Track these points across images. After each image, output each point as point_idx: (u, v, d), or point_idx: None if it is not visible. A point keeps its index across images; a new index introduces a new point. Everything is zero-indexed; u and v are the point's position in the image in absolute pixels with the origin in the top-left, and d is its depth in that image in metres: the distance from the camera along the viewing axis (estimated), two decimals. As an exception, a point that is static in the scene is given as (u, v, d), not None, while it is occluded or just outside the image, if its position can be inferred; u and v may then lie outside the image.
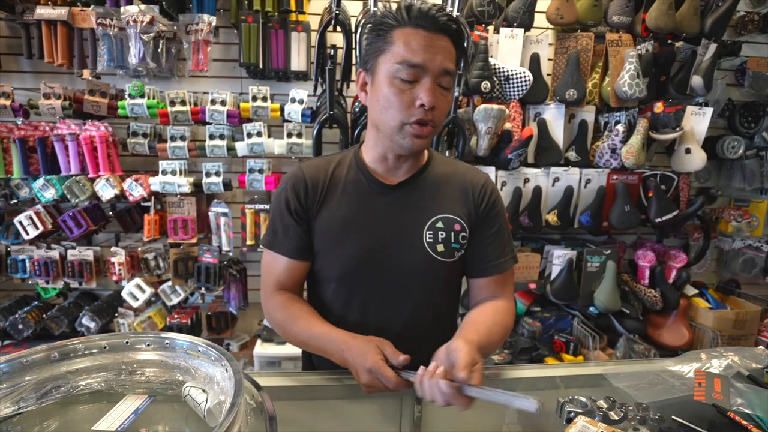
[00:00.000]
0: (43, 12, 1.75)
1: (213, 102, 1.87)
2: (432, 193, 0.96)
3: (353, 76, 1.97)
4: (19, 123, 1.85)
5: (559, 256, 2.08)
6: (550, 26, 2.07)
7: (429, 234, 0.93)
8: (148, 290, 1.97)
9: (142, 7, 1.74)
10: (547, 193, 2.08)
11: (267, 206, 2.00)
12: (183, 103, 1.86)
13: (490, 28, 1.99)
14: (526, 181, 2.06)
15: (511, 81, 1.95)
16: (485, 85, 1.90)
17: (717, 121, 2.36)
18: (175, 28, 1.86)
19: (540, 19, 2.06)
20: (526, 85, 1.95)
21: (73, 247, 1.96)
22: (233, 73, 2.08)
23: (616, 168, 2.07)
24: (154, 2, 1.77)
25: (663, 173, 2.14)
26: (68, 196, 1.85)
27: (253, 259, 2.22)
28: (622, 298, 2.11)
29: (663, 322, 2.18)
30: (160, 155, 1.90)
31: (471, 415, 0.86)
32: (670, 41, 2.12)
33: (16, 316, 1.96)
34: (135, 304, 1.98)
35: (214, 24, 1.84)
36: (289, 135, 1.95)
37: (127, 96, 1.83)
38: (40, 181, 1.84)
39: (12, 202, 1.96)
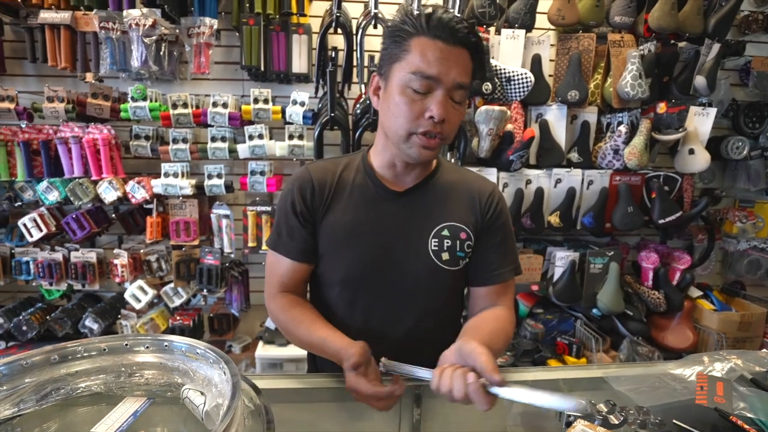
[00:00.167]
0: (46, 16, 1.76)
1: (215, 104, 1.88)
2: (439, 201, 0.95)
3: (354, 78, 1.97)
4: (23, 126, 1.87)
5: (562, 258, 2.07)
6: (552, 27, 2.06)
7: (434, 242, 0.93)
8: (151, 292, 1.98)
9: (144, 10, 1.75)
10: (549, 194, 2.07)
11: (268, 208, 2.01)
12: (185, 105, 1.87)
13: (492, 29, 1.98)
14: (528, 182, 2.05)
15: (512, 82, 1.95)
16: (486, 86, 1.90)
17: (721, 122, 2.34)
18: (177, 31, 1.87)
19: (541, 20, 2.05)
20: (527, 87, 1.94)
21: (77, 249, 1.97)
22: (235, 75, 2.09)
23: (618, 169, 2.06)
24: (156, 6, 1.78)
25: (666, 174, 2.12)
26: (71, 199, 1.87)
27: (255, 260, 2.22)
28: (626, 300, 2.09)
29: (667, 325, 2.16)
30: (162, 157, 1.91)
31: (471, 417, 0.86)
32: (672, 41, 2.11)
33: (20, 317, 1.97)
34: (138, 306, 1.98)
35: (215, 27, 1.85)
36: (291, 137, 1.95)
37: (129, 99, 1.85)
38: (44, 184, 1.85)
39: (16, 205, 1.97)
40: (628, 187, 2.05)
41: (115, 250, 1.97)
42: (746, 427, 0.70)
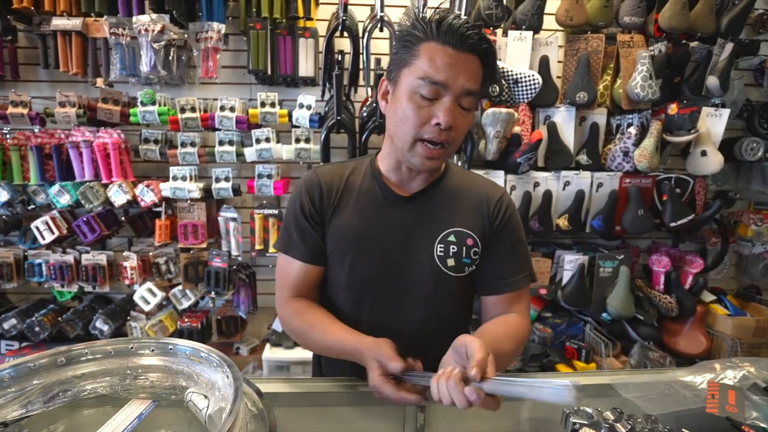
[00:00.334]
0: (58, 23, 1.80)
1: (222, 108, 1.90)
2: (446, 206, 0.94)
3: (360, 81, 1.97)
4: (36, 131, 1.90)
5: (571, 261, 2.04)
6: (560, 28, 2.04)
7: (440, 247, 0.92)
8: (160, 294, 2.00)
9: (153, 16, 1.77)
10: (557, 197, 2.05)
11: (275, 211, 2.02)
12: (193, 109, 1.89)
13: (499, 31, 1.98)
14: (536, 185, 2.03)
15: (519, 84, 1.93)
16: (493, 88, 1.89)
17: (735, 123, 2.30)
18: (186, 36, 1.89)
19: (549, 21, 2.03)
20: (535, 88, 1.92)
21: (87, 252, 2.00)
22: (242, 79, 2.10)
23: (628, 171, 2.03)
24: (165, 11, 1.80)
25: (678, 176, 2.09)
26: (82, 202, 1.90)
27: (262, 263, 2.24)
28: (636, 305, 2.06)
29: (679, 329, 2.12)
30: (170, 161, 1.93)
31: (476, 421, 0.85)
32: (684, 41, 2.08)
33: (33, 318, 2.00)
34: (146, 308, 2.01)
35: (223, 31, 1.87)
36: (297, 140, 1.96)
37: (138, 103, 1.87)
38: (56, 187, 1.89)
39: (29, 208, 2.01)
40: (638, 189, 2.02)
41: (125, 253, 1.99)
42: (759, 437, 0.68)
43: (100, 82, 1.92)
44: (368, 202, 0.94)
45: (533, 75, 1.92)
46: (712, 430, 0.70)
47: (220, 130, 1.94)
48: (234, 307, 2.15)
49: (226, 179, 1.96)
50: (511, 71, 1.93)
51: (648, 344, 2.02)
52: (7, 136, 1.90)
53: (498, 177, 1.98)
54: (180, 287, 2.04)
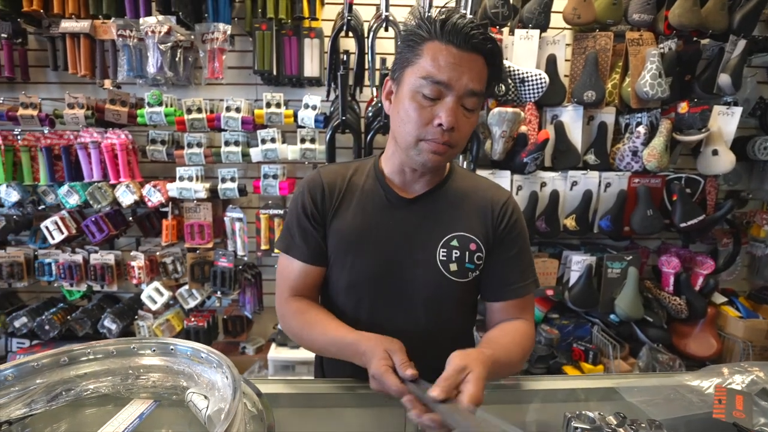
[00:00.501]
0: (67, 25, 1.82)
1: (228, 109, 1.91)
2: (450, 209, 0.93)
3: (366, 81, 1.97)
4: (46, 132, 1.93)
5: (578, 262, 2.02)
6: (567, 26, 2.02)
7: (443, 252, 0.90)
8: (166, 293, 2.02)
9: (160, 18, 1.79)
10: (564, 197, 2.02)
11: (281, 211, 2.02)
12: (199, 110, 1.90)
13: (505, 29, 1.96)
14: (543, 185, 2.01)
15: (526, 83, 1.91)
16: (499, 88, 1.87)
17: (747, 121, 2.25)
18: (192, 37, 1.90)
19: (556, 20, 2.01)
20: (542, 87, 1.90)
21: (96, 251, 2.02)
22: (249, 80, 2.11)
23: (637, 171, 2.00)
24: (172, 13, 1.82)
25: (688, 176, 2.05)
26: (91, 202, 1.92)
27: (268, 263, 2.24)
28: (645, 306, 2.03)
29: (689, 332, 2.09)
30: (177, 162, 1.95)
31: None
32: (695, 38, 2.04)
33: (43, 317, 2.04)
34: (154, 307, 2.02)
35: (228, 32, 1.88)
36: (303, 140, 1.97)
37: (146, 104, 1.89)
38: (65, 188, 1.91)
39: (40, 208, 2.04)
40: (647, 189, 1.99)
41: (132, 253, 2.01)
42: (767, 444, 0.66)
43: (107, 83, 1.94)
44: (371, 203, 0.93)
45: (540, 74, 1.90)
46: (719, 437, 0.68)
47: (226, 130, 1.95)
48: (240, 306, 2.16)
49: (232, 179, 1.97)
50: (518, 70, 1.91)
51: (657, 346, 1.99)
52: (18, 137, 1.92)
53: (504, 177, 1.96)
54: (186, 287, 2.06)
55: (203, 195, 1.93)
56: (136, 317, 2.10)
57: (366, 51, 1.89)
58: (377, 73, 1.90)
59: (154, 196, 1.90)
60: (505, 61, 1.90)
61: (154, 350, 0.81)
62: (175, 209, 2.02)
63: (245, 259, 2.08)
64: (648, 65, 1.90)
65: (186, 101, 1.90)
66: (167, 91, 1.96)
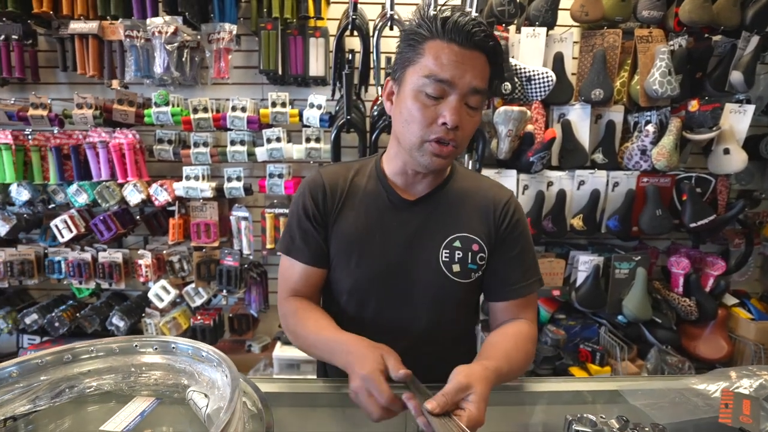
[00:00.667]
0: (76, 26, 1.84)
1: (234, 108, 1.92)
2: (452, 210, 0.92)
3: (371, 80, 1.97)
4: (55, 132, 1.96)
5: (585, 262, 2.00)
6: (575, 24, 2.00)
7: (445, 253, 0.90)
8: (173, 292, 2.04)
9: (167, 18, 1.80)
10: (571, 196, 2.00)
11: (286, 210, 2.03)
12: (205, 110, 1.91)
13: (512, 27, 1.94)
14: (550, 184, 1.99)
15: (533, 82, 1.90)
16: (506, 86, 1.86)
17: (760, 119, 2.20)
18: (199, 37, 1.92)
19: (564, 17, 1.99)
20: (548, 86, 1.88)
21: (104, 250, 2.05)
22: (255, 79, 2.12)
23: (646, 170, 1.97)
24: (178, 13, 1.83)
25: (698, 175, 2.02)
26: (99, 201, 1.94)
27: (273, 262, 2.25)
28: (654, 307, 2.00)
29: (699, 333, 2.05)
30: (183, 161, 1.96)
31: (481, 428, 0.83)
32: (706, 35, 2.01)
33: (53, 314, 2.07)
34: (160, 305, 2.04)
35: (234, 32, 1.89)
36: (308, 140, 1.97)
37: (153, 104, 1.90)
38: (74, 187, 1.94)
39: (50, 207, 2.07)
40: (656, 189, 1.96)
41: (140, 251, 2.03)
42: (774, 450, 0.65)
43: (115, 83, 1.96)
44: (373, 204, 0.93)
45: (546, 72, 1.88)
46: (725, 442, 0.67)
47: (231, 130, 1.96)
48: (246, 305, 2.17)
49: (238, 179, 1.98)
50: (524, 68, 1.90)
51: (666, 348, 1.96)
52: (29, 137, 1.95)
53: (510, 176, 1.95)
54: (193, 285, 2.08)
55: (209, 194, 1.94)
56: (143, 315, 2.12)
57: (371, 50, 1.88)
58: (382, 72, 1.90)
59: (160, 195, 1.92)
60: (511, 60, 1.88)
61: (155, 348, 0.81)
62: (181, 208, 2.03)
63: (251, 257, 2.09)
64: (657, 63, 1.87)
65: (192, 101, 1.91)
66: (174, 91, 1.98)
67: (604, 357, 1.93)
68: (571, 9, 1.94)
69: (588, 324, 2.08)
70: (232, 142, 1.96)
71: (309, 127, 1.97)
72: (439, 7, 0.82)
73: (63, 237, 1.99)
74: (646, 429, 0.67)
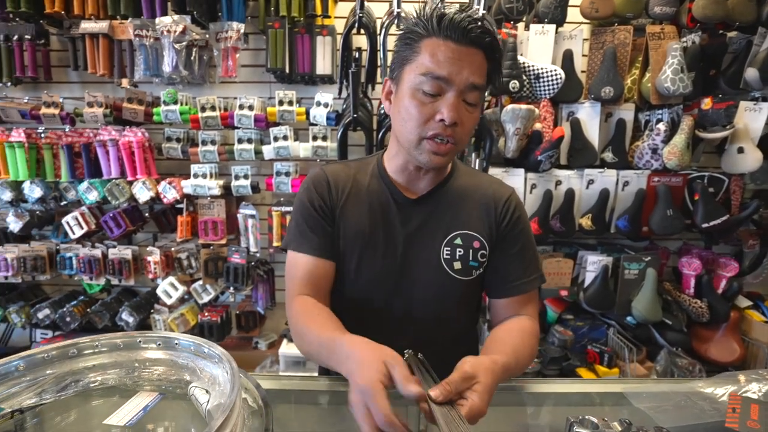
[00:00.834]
0: (87, 26, 1.87)
1: (241, 107, 1.93)
2: (453, 208, 0.93)
3: (378, 78, 1.96)
4: (67, 130, 1.99)
5: (594, 263, 1.97)
6: (585, 21, 1.97)
7: (446, 250, 0.90)
8: (181, 288, 2.06)
9: (175, 17, 1.82)
10: (580, 195, 1.98)
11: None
12: (213, 108, 1.93)
13: (520, 25, 1.92)
14: (558, 183, 1.97)
15: (541, 79, 1.88)
16: (513, 84, 1.84)
17: (776, 117, 2.15)
18: (207, 36, 1.93)
19: (573, 14, 1.96)
20: (557, 84, 1.86)
21: (114, 246, 2.08)
22: (262, 78, 2.13)
23: (657, 169, 1.94)
24: (187, 12, 1.85)
25: (711, 175, 1.98)
26: (109, 198, 1.97)
27: (280, 260, 2.26)
28: (664, 309, 1.97)
29: (711, 336, 2.02)
30: (191, 159, 1.98)
31: (479, 428, 0.83)
32: (721, 31, 1.96)
33: (65, 309, 2.11)
34: (169, 302, 2.07)
35: (242, 31, 1.90)
36: (315, 138, 1.97)
37: (161, 103, 1.92)
38: (85, 184, 1.97)
39: (61, 204, 2.11)
40: (667, 188, 1.92)
41: (149, 248, 2.06)
42: (783, 456, 0.63)
43: (125, 82, 1.99)
44: (377, 202, 0.93)
45: (555, 70, 1.86)
46: (731, 447, 0.66)
47: (239, 128, 1.97)
48: (253, 302, 2.19)
49: (245, 177, 1.99)
50: (533, 66, 1.88)
51: (676, 350, 1.93)
52: (41, 135, 1.99)
53: (518, 175, 1.93)
54: (201, 282, 2.10)
55: (217, 192, 1.96)
56: (152, 311, 2.15)
57: (378, 48, 1.88)
58: (389, 70, 1.89)
59: (169, 193, 1.94)
60: (519, 57, 1.87)
61: (158, 344, 0.82)
62: (189, 206, 2.05)
63: (257, 255, 2.10)
64: (669, 60, 1.84)
65: (200, 99, 1.93)
66: (182, 90, 1.99)
67: (613, 358, 1.90)
68: (581, 6, 1.91)
69: (596, 325, 2.06)
70: (240, 141, 1.97)
71: (316, 125, 1.97)
72: (436, 5, 0.81)
73: (74, 233, 2.03)
74: (650, 432, 0.66)
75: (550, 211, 1.96)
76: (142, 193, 1.94)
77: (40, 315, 2.12)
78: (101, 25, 1.86)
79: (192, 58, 1.91)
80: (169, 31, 1.81)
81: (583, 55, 2.00)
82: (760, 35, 1.91)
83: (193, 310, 2.15)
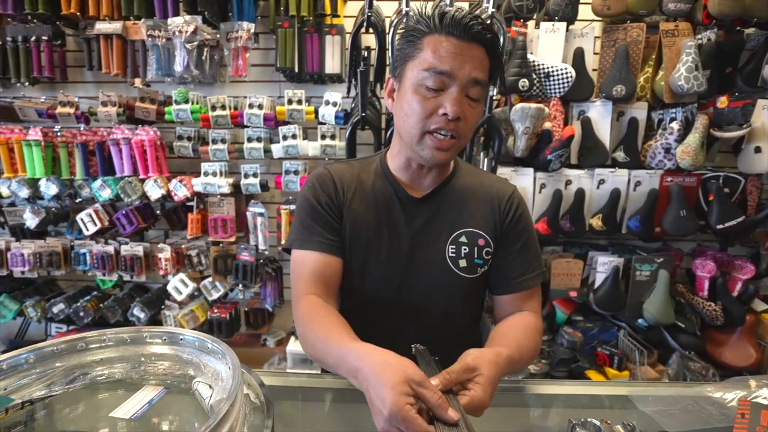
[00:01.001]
0: (101, 27, 1.90)
1: (251, 106, 1.94)
2: (456, 206, 0.93)
3: (387, 77, 1.96)
4: (82, 129, 2.03)
5: (604, 263, 1.94)
6: (597, 18, 1.94)
7: (452, 248, 0.91)
8: (191, 285, 2.09)
9: (187, 18, 1.84)
10: (590, 195, 1.95)
11: (301, 207, 2.04)
12: (223, 107, 1.95)
13: (530, 23, 1.90)
14: (568, 183, 1.95)
15: (551, 78, 1.85)
16: (523, 83, 1.82)
17: (796, 116, 2.09)
18: (218, 36, 1.95)
19: (585, 11, 1.93)
20: (568, 82, 1.84)
21: (126, 243, 2.11)
22: (272, 77, 2.14)
23: (670, 169, 1.90)
24: (198, 13, 1.87)
25: (727, 175, 1.93)
26: (122, 196, 2.01)
27: (288, 258, 2.27)
28: (677, 311, 1.93)
29: (725, 340, 1.97)
30: (202, 157, 2.00)
31: (479, 426, 0.82)
32: (738, 28, 1.92)
33: (78, 304, 2.15)
34: (179, 298, 2.10)
35: (252, 31, 1.91)
36: (323, 137, 1.98)
37: (173, 102, 1.95)
38: (98, 182, 2.01)
39: (76, 201, 2.15)
40: (680, 188, 1.88)
41: (160, 245, 2.09)
42: (792, 464, 0.61)
43: (138, 82, 2.02)
44: (381, 202, 0.93)
45: (566, 68, 1.83)
46: (738, 453, 0.64)
47: (248, 127, 1.99)
48: (261, 299, 2.21)
49: (254, 175, 2.01)
50: (543, 64, 1.86)
51: (689, 354, 1.89)
52: (57, 134, 2.03)
53: (527, 174, 1.92)
54: (210, 279, 2.12)
55: (226, 190, 1.98)
56: (162, 307, 2.18)
57: (387, 47, 1.87)
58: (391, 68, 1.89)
59: (180, 191, 1.97)
60: (529, 56, 1.85)
61: (164, 339, 0.83)
62: (200, 204, 2.08)
63: (266, 253, 2.12)
64: (683, 57, 1.80)
65: (210, 98, 1.95)
66: (194, 89, 2.02)
67: (623, 361, 1.87)
68: (593, 3, 1.88)
69: (606, 327, 2.03)
70: (249, 139, 1.99)
71: (324, 124, 1.98)
72: (438, 2, 0.82)
73: (88, 230, 2.07)
74: (654, 436, 0.65)
75: (559, 211, 1.93)
76: (154, 190, 1.97)
77: (55, 309, 2.17)
78: (115, 26, 1.90)
79: (203, 57, 1.94)
80: (180, 31, 1.83)
81: (595, 53, 1.97)
82: (780, 32, 1.86)
83: (202, 306, 2.18)
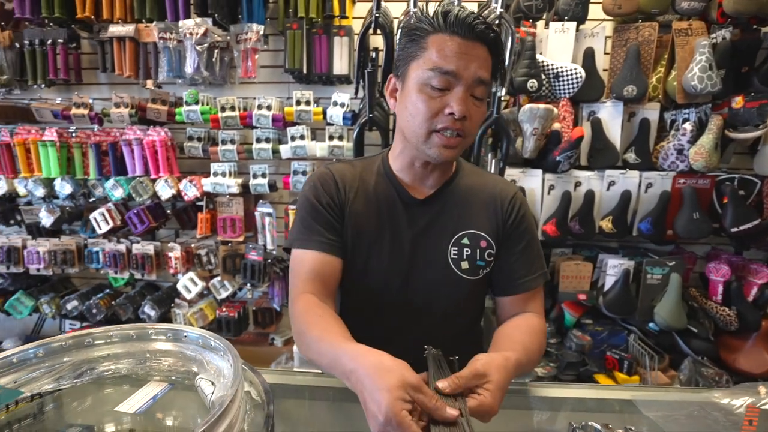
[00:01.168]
0: (114, 30, 1.95)
1: (259, 107, 1.96)
2: (459, 207, 0.93)
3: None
4: (95, 130, 2.07)
5: (615, 266, 1.91)
6: (608, 18, 1.91)
7: (454, 250, 0.91)
8: (200, 284, 2.11)
9: (197, 20, 1.87)
10: (600, 197, 1.92)
11: (309, 207, 2.05)
12: (232, 108, 1.97)
13: (540, 23, 1.88)
14: (578, 184, 1.92)
15: (560, 78, 1.84)
16: (532, 83, 1.80)
17: (815, 117, 2.03)
18: (228, 38, 1.98)
19: (595, 11, 1.91)
20: (577, 83, 1.82)
21: (138, 242, 2.15)
22: (281, 78, 2.16)
23: (683, 171, 1.87)
24: (208, 15, 1.89)
25: (742, 176, 1.89)
26: (134, 195, 2.04)
27: (297, 258, 2.29)
28: (690, 316, 1.89)
29: (740, 345, 1.92)
30: (211, 158, 2.03)
31: (481, 426, 0.82)
32: (755, 26, 1.88)
33: (91, 301, 2.19)
34: (188, 296, 2.12)
35: (262, 32, 1.93)
36: (331, 138, 1.99)
37: (184, 103, 1.98)
38: (111, 182, 2.04)
39: (90, 200, 2.20)
40: (693, 190, 1.85)
41: (170, 244, 2.12)
42: (801, 473, 0.60)
43: (149, 83, 2.05)
44: (384, 203, 0.93)
45: (575, 69, 1.81)
46: (745, 460, 0.62)
47: (257, 127, 2.01)
48: (269, 299, 2.22)
49: (263, 175, 2.03)
50: (552, 65, 1.84)
51: (701, 359, 1.85)
52: (72, 134, 2.07)
53: (536, 176, 1.90)
54: (219, 278, 2.15)
55: (235, 190, 2.00)
56: (172, 305, 2.21)
57: (394, 48, 1.88)
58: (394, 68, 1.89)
59: (189, 191, 2.00)
60: (538, 56, 1.83)
61: (168, 336, 0.84)
62: (209, 203, 2.10)
63: (274, 253, 2.14)
64: (697, 57, 1.77)
65: (220, 99, 1.97)
66: (204, 90, 2.05)
67: (633, 366, 1.84)
68: (604, 3, 1.86)
69: (616, 330, 1.99)
70: (258, 140, 2.01)
71: (332, 125, 1.99)
72: (443, 2, 0.83)
73: (101, 229, 2.11)
74: (657, 441, 0.64)
75: (568, 213, 1.91)
76: (165, 190, 2.00)
77: (69, 306, 2.21)
78: (128, 29, 1.93)
79: (213, 59, 1.96)
80: (191, 34, 1.86)
81: (605, 53, 1.95)
82: (798, 30, 1.82)
83: (211, 305, 2.20)
